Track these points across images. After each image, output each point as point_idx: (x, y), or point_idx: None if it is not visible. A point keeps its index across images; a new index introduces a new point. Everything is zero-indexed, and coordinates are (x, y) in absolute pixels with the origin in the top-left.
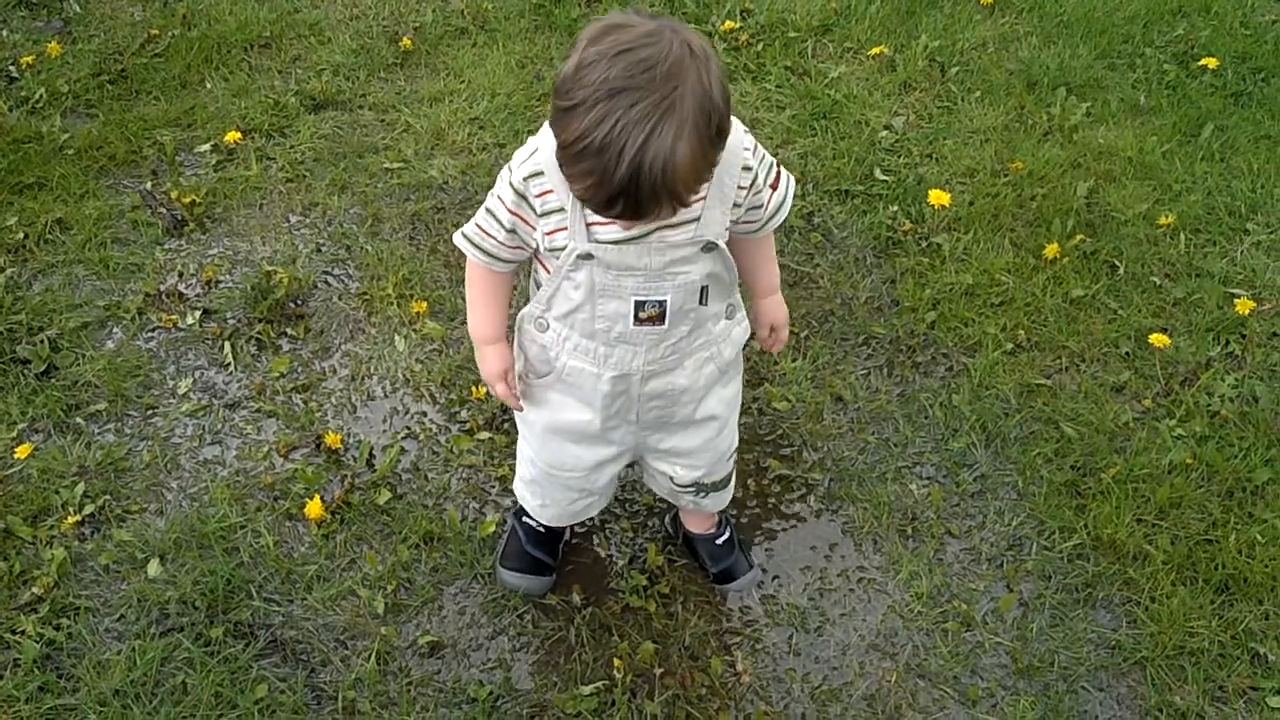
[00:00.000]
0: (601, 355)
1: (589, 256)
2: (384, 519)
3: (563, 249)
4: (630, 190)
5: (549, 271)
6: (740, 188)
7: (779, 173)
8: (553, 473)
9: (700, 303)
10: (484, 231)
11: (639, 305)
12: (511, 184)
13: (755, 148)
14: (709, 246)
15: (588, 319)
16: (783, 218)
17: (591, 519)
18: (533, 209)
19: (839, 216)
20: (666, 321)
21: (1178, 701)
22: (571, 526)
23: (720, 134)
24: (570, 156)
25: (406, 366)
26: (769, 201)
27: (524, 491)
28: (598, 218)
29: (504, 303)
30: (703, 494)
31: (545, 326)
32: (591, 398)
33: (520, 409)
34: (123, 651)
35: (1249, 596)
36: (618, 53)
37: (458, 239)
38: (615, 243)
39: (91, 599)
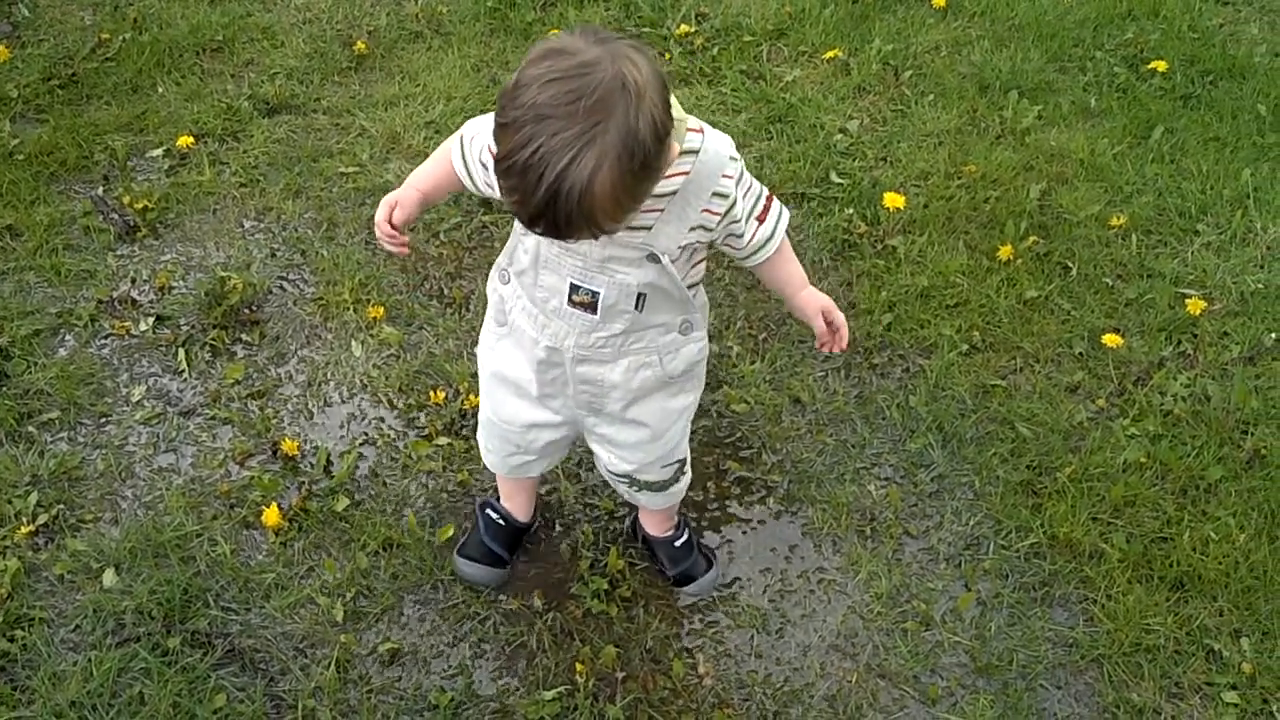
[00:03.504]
0: (540, 323)
1: None
2: (342, 526)
3: None
4: (548, 214)
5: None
6: (709, 212)
7: (768, 206)
8: (493, 419)
9: (637, 308)
10: (471, 145)
11: (573, 288)
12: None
13: (741, 176)
14: (653, 257)
15: (531, 284)
16: (772, 249)
17: (547, 516)
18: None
19: (795, 220)
20: (598, 314)
21: (1134, 698)
22: (534, 524)
23: (646, 169)
24: (500, 171)
25: (364, 372)
26: (754, 234)
27: (479, 430)
28: None
29: (446, 188)
30: (636, 488)
31: (507, 279)
32: (531, 361)
33: (386, 245)
34: (79, 662)
35: (1203, 593)
36: (549, 79)
37: (458, 133)
38: None
39: (46, 610)
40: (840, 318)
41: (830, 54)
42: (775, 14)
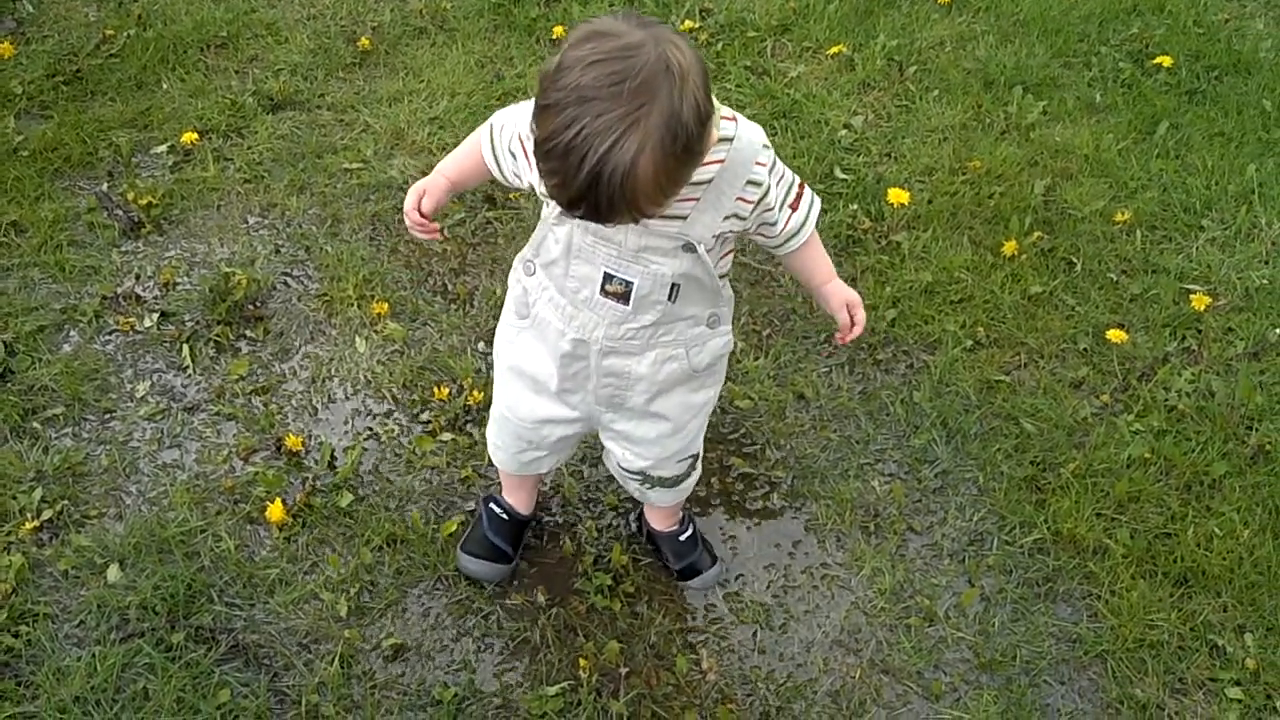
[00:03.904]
0: (569, 314)
1: None
2: (346, 521)
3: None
4: (590, 197)
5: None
6: (743, 200)
7: (800, 193)
8: (507, 415)
9: (669, 299)
10: (501, 134)
11: (607, 277)
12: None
13: (774, 165)
14: (689, 247)
15: (562, 274)
16: (804, 238)
17: (553, 514)
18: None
19: None
20: (631, 304)
21: (1138, 694)
22: (538, 518)
23: (689, 152)
24: (541, 154)
25: (368, 368)
26: (787, 222)
27: (490, 427)
28: None
29: (474, 177)
30: (648, 485)
31: (532, 271)
32: (554, 354)
33: (416, 233)
34: (83, 658)
35: (1207, 589)
36: (593, 61)
37: (488, 123)
38: None
39: (50, 605)
40: (862, 315)
41: (835, 50)
42: (779, 9)
